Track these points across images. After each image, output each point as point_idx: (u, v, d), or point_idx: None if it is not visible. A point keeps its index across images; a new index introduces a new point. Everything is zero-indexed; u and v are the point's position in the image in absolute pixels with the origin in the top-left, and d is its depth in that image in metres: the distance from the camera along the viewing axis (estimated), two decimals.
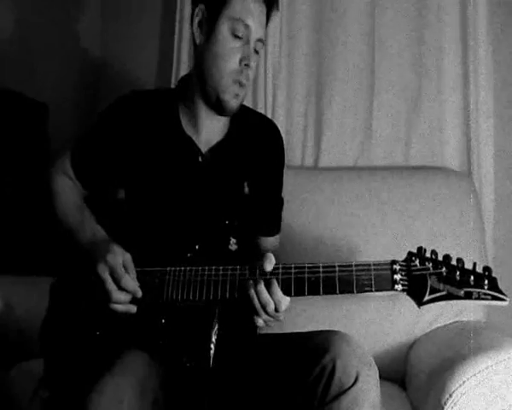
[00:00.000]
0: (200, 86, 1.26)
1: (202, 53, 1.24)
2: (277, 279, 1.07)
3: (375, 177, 1.77)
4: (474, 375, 1.17)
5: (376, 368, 1.04)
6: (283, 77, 1.97)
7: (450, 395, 1.18)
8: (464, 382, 1.17)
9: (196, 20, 1.25)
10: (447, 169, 1.84)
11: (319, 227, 1.68)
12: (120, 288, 1.12)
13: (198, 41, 1.26)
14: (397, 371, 1.55)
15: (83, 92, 2.29)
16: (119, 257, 1.13)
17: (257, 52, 1.24)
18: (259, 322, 1.09)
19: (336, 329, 1.13)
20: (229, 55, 1.20)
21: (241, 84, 1.22)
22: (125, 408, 0.97)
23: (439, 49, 1.85)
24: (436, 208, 1.66)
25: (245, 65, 1.21)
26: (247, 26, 1.20)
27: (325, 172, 1.84)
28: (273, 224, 1.41)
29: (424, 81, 1.87)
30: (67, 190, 1.35)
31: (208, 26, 1.23)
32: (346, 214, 1.69)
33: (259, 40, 1.23)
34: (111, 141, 1.31)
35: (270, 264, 1.08)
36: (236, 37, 1.20)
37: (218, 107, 1.25)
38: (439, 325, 1.57)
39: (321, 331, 1.12)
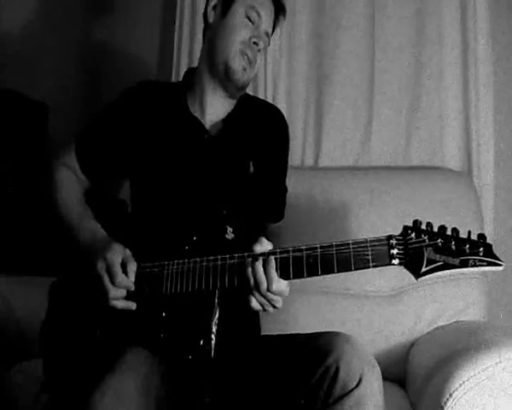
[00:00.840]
0: (209, 60, 1.33)
1: (215, 29, 1.33)
2: (276, 261, 1.06)
3: (375, 177, 1.77)
4: (475, 375, 1.17)
5: (379, 370, 1.04)
6: (283, 77, 1.97)
7: (451, 395, 1.17)
8: (464, 382, 1.17)
9: (212, 3, 1.35)
10: (447, 169, 1.84)
11: (318, 227, 1.68)
12: (115, 285, 1.12)
13: (211, 20, 1.34)
14: (397, 371, 1.55)
15: (83, 92, 2.29)
16: (119, 255, 1.14)
17: (259, 47, 1.30)
18: (253, 302, 1.08)
19: (336, 329, 1.13)
20: (240, 29, 1.29)
21: (248, 59, 1.29)
22: (129, 406, 0.97)
23: (439, 49, 1.86)
24: (436, 208, 1.65)
25: (254, 43, 1.29)
26: (259, 15, 1.30)
27: (325, 172, 1.84)
28: (277, 209, 1.41)
29: (424, 81, 1.87)
30: (69, 183, 1.35)
31: (223, 8, 1.32)
32: (345, 214, 1.69)
33: (266, 34, 1.33)
34: (118, 127, 1.33)
35: (260, 245, 1.08)
36: (249, 19, 1.29)
37: (225, 77, 1.30)
38: (439, 325, 1.57)
39: (324, 333, 1.12)
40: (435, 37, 1.86)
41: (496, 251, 1.85)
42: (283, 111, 1.94)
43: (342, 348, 1.03)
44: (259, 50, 1.32)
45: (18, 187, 1.86)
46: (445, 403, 1.17)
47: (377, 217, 1.67)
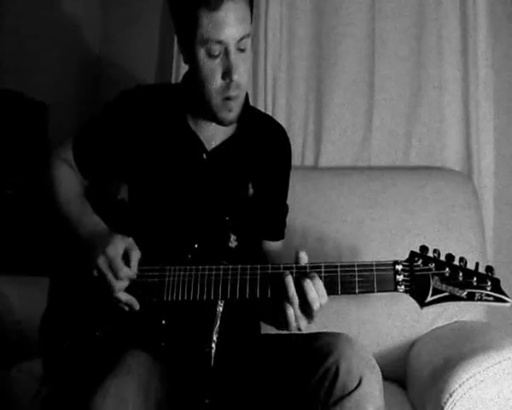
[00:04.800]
0: (197, 96, 1.21)
1: (190, 76, 1.22)
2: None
3: (375, 177, 1.77)
4: (474, 375, 1.18)
5: (380, 371, 1.04)
6: (283, 77, 1.97)
7: (451, 395, 1.18)
8: (464, 382, 1.18)
9: (178, 46, 1.25)
10: (447, 169, 1.84)
11: (318, 227, 1.68)
12: (119, 279, 1.12)
13: (184, 63, 1.24)
14: (397, 371, 1.55)
15: (82, 91, 2.29)
16: (120, 248, 1.13)
17: (242, 50, 1.14)
18: (291, 317, 1.07)
19: (336, 329, 1.13)
20: (211, 77, 1.15)
21: (230, 99, 1.17)
22: (129, 409, 0.97)
23: (439, 50, 1.86)
24: (436, 208, 1.66)
25: (228, 80, 1.15)
26: (220, 42, 1.12)
27: (325, 172, 1.84)
28: (276, 229, 1.40)
29: (424, 82, 1.88)
30: (69, 178, 1.33)
31: (186, 53, 1.19)
32: (345, 214, 1.69)
33: (242, 39, 1.13)
34: (115, 134, 1.30)
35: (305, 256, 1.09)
36: (213, 56, 1.13)
37: (216, 121, 1.23)
38: (439, 324, 1.57)
39: (324, 333, 1.12)
40: (435, 38, 1.86)
41: (496, 251, 1.85)
42: (283, 111, 1.97)
43: (342, 349, 1.03)
44: (243, 50, 1.15)
45: (17, 187, 1.86)
46: (445, 403, 1.18)
47: (377, 217, 1.67)
